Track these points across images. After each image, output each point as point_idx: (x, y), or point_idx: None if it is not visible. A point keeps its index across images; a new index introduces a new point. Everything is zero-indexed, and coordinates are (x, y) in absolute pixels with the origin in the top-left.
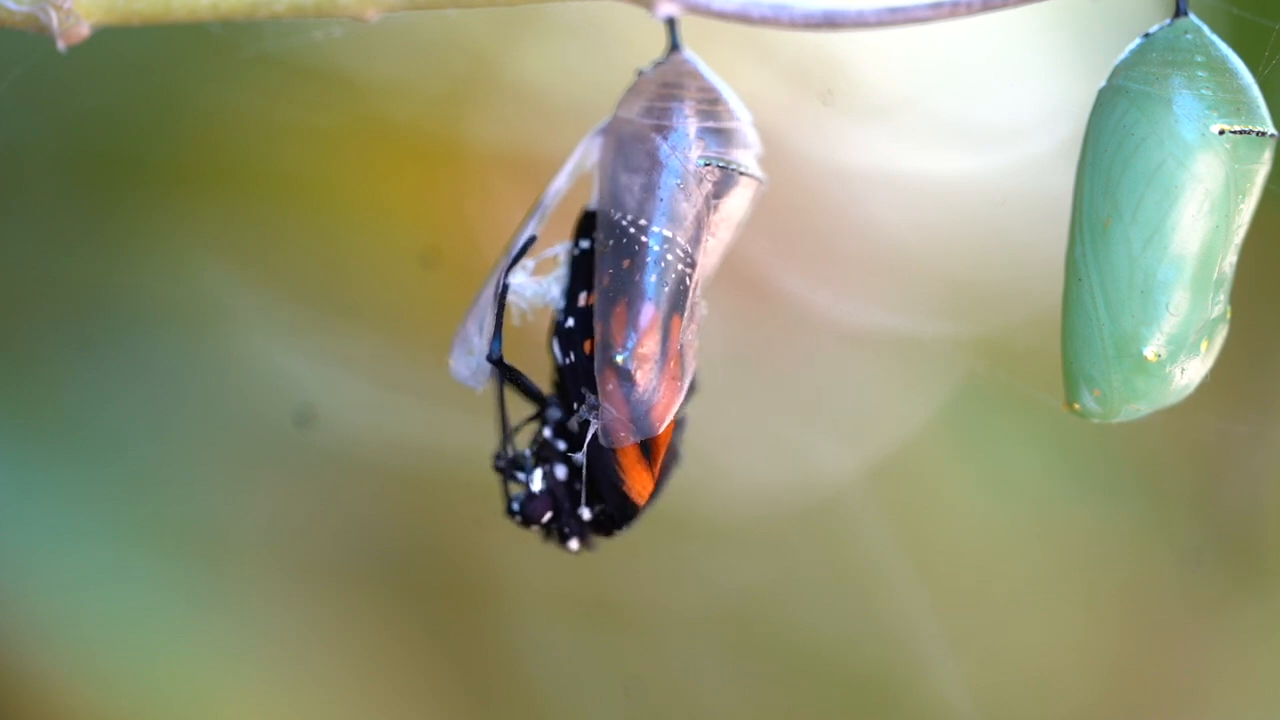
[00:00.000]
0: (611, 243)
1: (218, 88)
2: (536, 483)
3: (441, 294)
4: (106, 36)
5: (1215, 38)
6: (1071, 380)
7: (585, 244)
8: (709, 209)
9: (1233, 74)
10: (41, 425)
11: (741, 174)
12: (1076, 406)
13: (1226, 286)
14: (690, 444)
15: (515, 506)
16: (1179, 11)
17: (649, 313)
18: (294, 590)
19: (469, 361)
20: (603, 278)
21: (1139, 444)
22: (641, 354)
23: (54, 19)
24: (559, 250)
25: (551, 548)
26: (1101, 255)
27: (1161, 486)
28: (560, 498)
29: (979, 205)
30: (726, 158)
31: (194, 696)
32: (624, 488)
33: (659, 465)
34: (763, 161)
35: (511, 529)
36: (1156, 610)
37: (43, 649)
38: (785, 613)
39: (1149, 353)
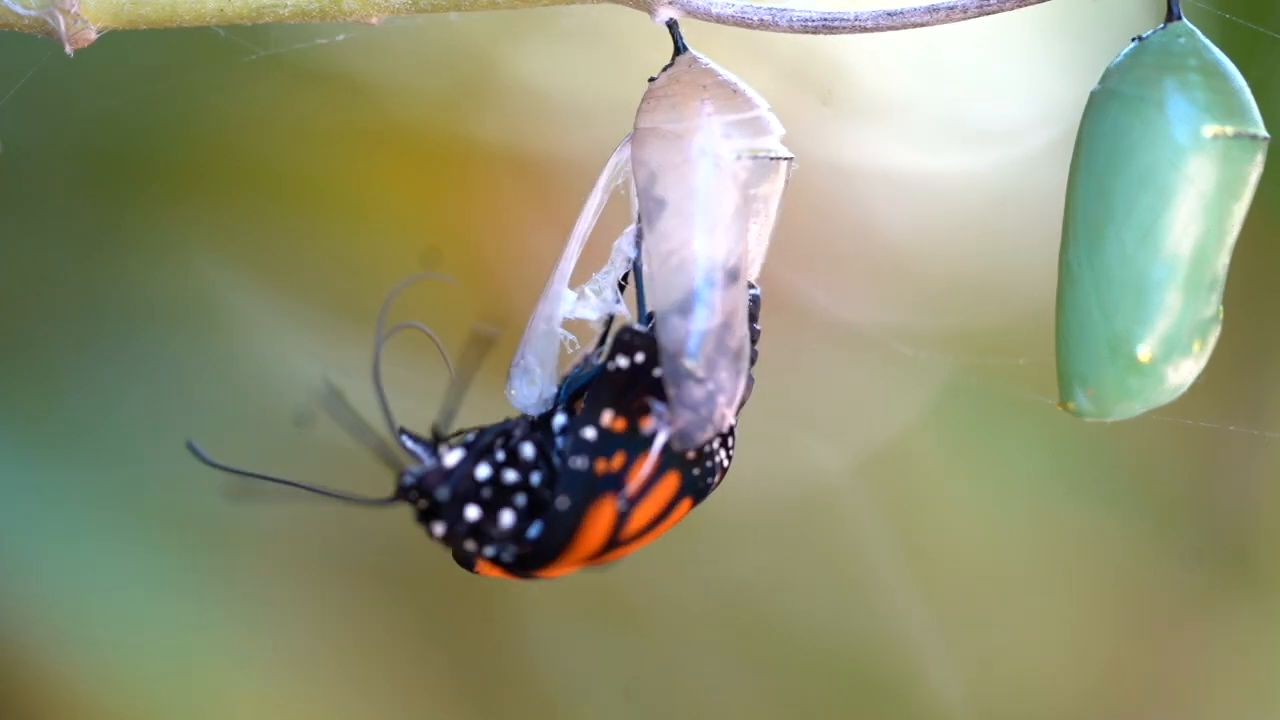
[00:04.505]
0: (666, 245)
1: (223, 91)
2: (451, 459)
3: (444, 294)
4: (113, 40)
5: (1208, 42)
6: (1066, 379)
7: (623, 362)
8: (748, 199)
9: (1225, 77)
10: (47, 426)
11: (773, 159)
12: (1071, 405)
13: (1219, 287)
14: None
15: (412, 474)
16: (1172, 15)
17: (711, 309)
18: (297, 589)
19: (531, 391)
20: (661, 279)
21: (1133, 443)
22: (708, 354)
23: (61, 23)
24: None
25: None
26: (1095, 256)
27: (1156, 486)
28: (479, 493)
29: (975, 205)
30: (756, 146)
31: (198, 695)
32: (563, 552)
33: (588, 563)
34: None
35: None
36: (1151, 609)
37: (46, 648)
38: (786, 610)
39: (1142, 352)
